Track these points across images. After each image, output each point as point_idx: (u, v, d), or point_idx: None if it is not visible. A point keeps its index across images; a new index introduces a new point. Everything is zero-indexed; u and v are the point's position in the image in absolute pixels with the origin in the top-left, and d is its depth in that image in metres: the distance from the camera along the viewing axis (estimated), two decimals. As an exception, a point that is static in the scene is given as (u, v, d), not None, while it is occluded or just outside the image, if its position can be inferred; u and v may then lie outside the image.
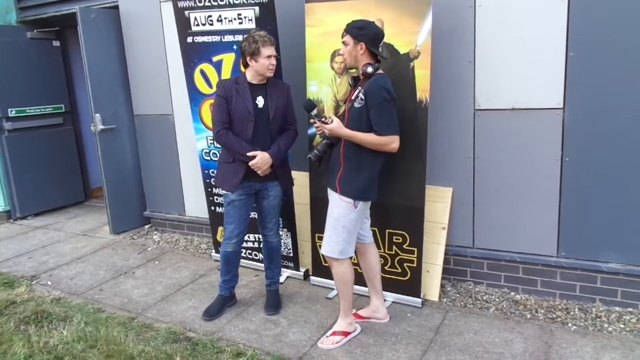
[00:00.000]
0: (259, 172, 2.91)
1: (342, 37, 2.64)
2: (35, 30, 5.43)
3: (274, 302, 3.23)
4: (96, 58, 4.52)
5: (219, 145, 3.75)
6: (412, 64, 2.90)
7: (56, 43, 5.67)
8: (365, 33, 2.59)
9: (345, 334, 2.82)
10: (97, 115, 4.58)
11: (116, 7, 4.59)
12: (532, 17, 2.91)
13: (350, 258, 2.77)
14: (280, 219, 3.28)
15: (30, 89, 5.42)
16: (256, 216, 3.26)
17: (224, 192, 3.05)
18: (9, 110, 5.24)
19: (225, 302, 3.26)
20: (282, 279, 3.60)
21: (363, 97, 2.55)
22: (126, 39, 4.62)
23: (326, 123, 2.60)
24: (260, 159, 2.89)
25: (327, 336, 2.83)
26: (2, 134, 5.25)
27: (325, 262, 3.43)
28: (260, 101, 2.93)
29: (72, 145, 5.94)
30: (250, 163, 2.89)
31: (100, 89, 4.59)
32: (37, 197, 5.59)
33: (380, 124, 2.53)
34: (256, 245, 3.79)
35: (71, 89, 5.95)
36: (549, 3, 2.85)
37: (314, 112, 2.69)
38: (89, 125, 4.92)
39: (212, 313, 3.17)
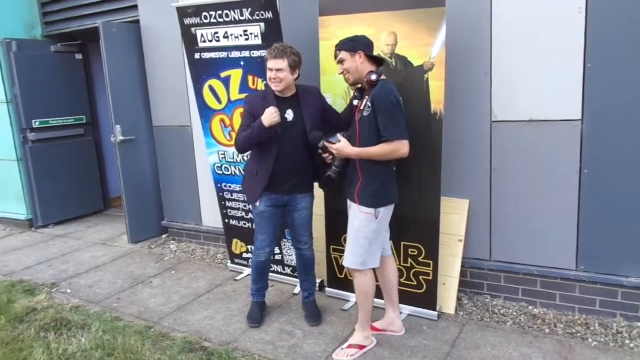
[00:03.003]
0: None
1: (335, 57, 2.68)
2: (58, 44, 5.58)
3: (315, 313, 3.23)
4: (117, 70, 4.62)
5: (230, 160, 3.80)
6: (426, 75, 2.90)
7: (78, 56, 5.81)
8: (358, 43, 2.64)
9: (361, 347, 2.81)
10: (117, 126, 4.67)
11: (137, 22, 4.70)
12: (550, 28, 2.89)
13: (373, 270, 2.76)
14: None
15: (53, 100, 5.56)
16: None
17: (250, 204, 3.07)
18: (33, 121, 5.37)
19: (262, 307, 3.30)
20: (296, 290, 3.61)
21: (370, 105, 2.56)
22: (146, 52, 4.71)
23: (332, 143, 2.62)
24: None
25: (342, 348, 2.82)
26: (26, 144, 5.39)
27: (341, 273, 3.44)
28: (289, 114, 2.91)
29: (93, 155, 6.06)
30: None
31: (120, 101, 4.68)
32: (57, 206, 5.71)
33: (388, 129, 2.52)
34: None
35: (92, 101, 6.08)
36: (567, 14, 2.84)
37: (320, 144, 2.71)
38: (109, 136, 5.02)
39: (257, 319, 3.20)
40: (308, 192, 3.10)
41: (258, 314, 3.22)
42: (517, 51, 3.00)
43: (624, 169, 2.84)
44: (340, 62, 2.66)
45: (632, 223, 2.86)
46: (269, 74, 2.84)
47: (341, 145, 2.60)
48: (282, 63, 2.80)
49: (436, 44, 2.85)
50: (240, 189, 3.62)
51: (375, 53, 2.73)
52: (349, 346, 2.81)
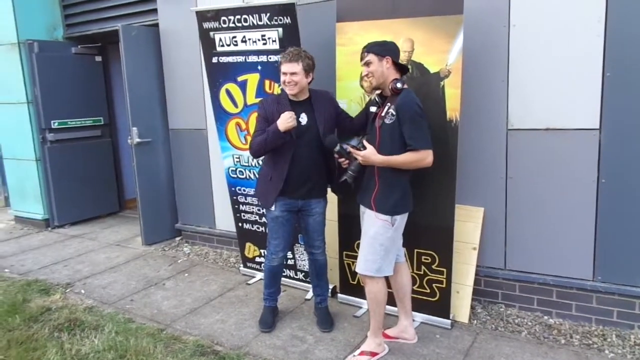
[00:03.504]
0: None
1: (363, 58, 2.65)
2: (79, 46, 5.67)
3: (327, 319, 3.22)
4: (135, 73, 4.68)
5: (245, 164, 3.82)
6: (442, 83, 2.89)
7: (98, 58, 5.90)
8: (387, 48, 2.63)
9: (373, 354, 2.79)
10: (134, 128, 4.72)
11: (156, 25, 4.76)
12: (568, 37, 2.87)
13: (386, 278, 2.75)
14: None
15: (72, 101, 5.64)
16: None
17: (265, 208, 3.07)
18: (52, 122, 5.46)
19: (274, 311, 3.31)
20: (308, 296, 3.60)
21: (394, 113, 2.54)
22: (164, 55, 4.76)
23: (359, 149, 2.59)
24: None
25: (354, 355, 2.81)
26: (44, 144, 5.47)
27: (354, 279, 3.43)
28: (303, 118, 2.92)
29: (109, 157, 6.14)
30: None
31: (138, 103, 4.73)
32: (74, 207, 5.78)
33: (415, 138, 2.52)
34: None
35: (110, 103, 6.17)
36: (586, 23, 2.81)
37: (337, 148, 2.69)
38: (126, 137, 5.08)
39: (269, 324, 3.19)
40: (322, 196, 3.10)
41: (270, 319, 3.22)
42: (535, 59, 2.98)
43: (644, 180, 2.79)
44: (367, 64, 2.63)
45: (651, 234, 2.82)
46: (283, 77, 2.86)
47: (368, 152, 2.58)
48: (297, 67, 2.82)
49: (453, 51, 2.84)
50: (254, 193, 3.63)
51: None
52: (361, 353, 2.80)
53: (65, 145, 5.62)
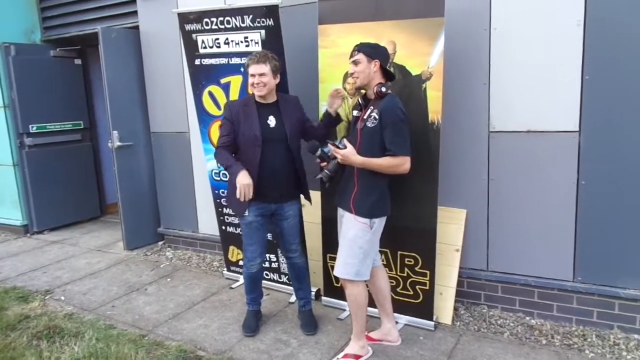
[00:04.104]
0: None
1: (352, 56, 2.63)
2: (58, 49, 5.58)
3: (311, 322, 3.20)
4: (116, 76, 4.62)
5: None
6: (424, 85, 2.91)
7: (77, 61, 5.82)
8: (378, 51, 2.63)
9: (357, 357, 2.79)
10: (115, 132, 4.66)
11: (136, 27, 4.71)
12: (548, 40, 2.91)
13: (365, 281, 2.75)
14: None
15: (51, 105, 5.55)
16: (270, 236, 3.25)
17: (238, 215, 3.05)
18: (31, 126, 5.36)
19: (257, 315, 3.28)
20: (292, 299, 3.59)
21: (377, 117, 2.54)
22: (145, 58, 4.71)
23: (339, 148, 2.59)
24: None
25: (338, 358, 2.80)
26: (22, 149, 5.37)
27: (337, 282, 3.42)
28: (272, 120, 2.93)
29: (90, 161, 6.05)
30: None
31: (118, 107, 4.67)
32: (53, 212, 5.68)
33: (395, 144, 2.52)
34: (267, 265, 3.79)
35: (90, 106, 6.08)
36: (565, 27, 2.85)
37: (318, 152, 2.68)
38: (107, 141, 5.01)
39: (253, 328, 3.17)
40: (295, 199, 3.09)
41: (253, 323, 3.20)
42: (516, 62, 3.01)
43: (622, 181, 2.84)
44: (355, 63, 2.62)
45: (630, 235, 2.86)
46: (251, 79, 2.86)
47: (348, 151, 2.57)
48: (265, 68, 2.83)
49: (435, 54, 2.86)
50: None
51: None
52: (345, 356, 2.79)
53: (45, 149, 5.52)
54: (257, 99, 2.93)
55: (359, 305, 2.74)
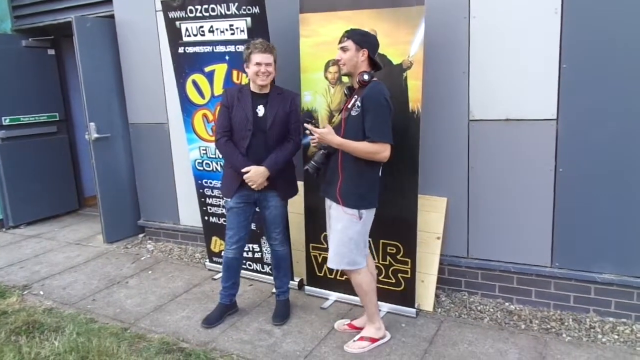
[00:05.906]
0: (253, 186, 2.91)
1: (341, 42, 2.60)
2: (30, 39, 5.42)
3: (281, 312, 3.20)
4: (91, 67, 4.52)
5: (212, 156, 3.77)
6: (404, 74, 2.91)
7: (51, 52, 5.66)
8: (368, 40, 2.60)
9: (373, 340, 2.81)
10: (92, 123, 4.57)
11: (112, 17, 4.60)
12: (527, 29, 2.93)
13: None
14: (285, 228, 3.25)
15: (24, 97, 5.40)
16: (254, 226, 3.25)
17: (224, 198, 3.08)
18: (3, 118, 5.22)
19: (225, 310, 3.24)
20: (275, 289, 3.58)
21: (360, 105, 2.52)
22: (121, 47, 4.62)
23: (317, 127, 2.59)
24: (254, 173, 2.88)
25: (354, 340, 2.82)
26: (-5, 142, 5.23)
27: (320, 271, 3.44)
28: (260, 110, 2.93)
29: (66, 153, 5.92)
30: (244, 177, 2.89)
31: (95, 98, 4.58)
32: (30, 206, 5.55)
33: (373, 130, 2.48)
34: (250, 255, 3.78)
35: (66, 98, 5.93)
36: (543, 16, 2.88)
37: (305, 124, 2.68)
38: (84, 133, 4.92)
39: (211, 321, 3.15)
40: (277, 190, 3.08)
41: (215, 316, 3.17)
42: (495, 51, 3.04)
43: (598, 168, 2.89)
44: (343, 49, 2.58)
45: (606, 221, 2.93)
46: (257, 68, 2.83)
47: (325, 131, 2.57)
48: (271, 58, 2.86)
49: (415, 42, 2.87)
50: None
51: None
52: (361, 339, 2.81)
53: (19, 142, 5.38)
54: (252, 89, 2.94)
55: (365, 291, 2.76)
